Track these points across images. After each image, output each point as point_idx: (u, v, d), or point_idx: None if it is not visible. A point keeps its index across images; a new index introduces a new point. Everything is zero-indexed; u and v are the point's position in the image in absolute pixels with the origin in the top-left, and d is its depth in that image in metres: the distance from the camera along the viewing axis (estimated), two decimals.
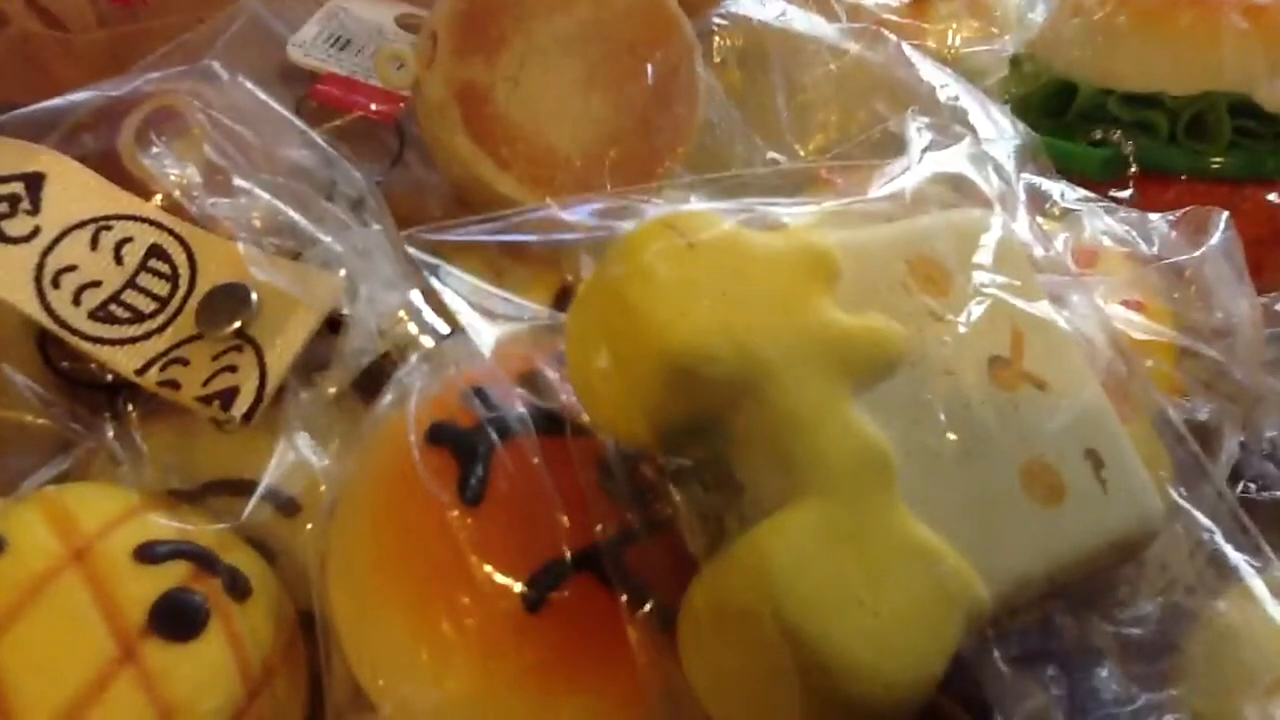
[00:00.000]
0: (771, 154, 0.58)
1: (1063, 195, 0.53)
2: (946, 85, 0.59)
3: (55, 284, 0.43)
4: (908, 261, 0.38)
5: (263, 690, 0.39)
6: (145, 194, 0.46)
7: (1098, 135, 0.60)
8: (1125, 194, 0.58)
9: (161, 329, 0.44)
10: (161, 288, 0.44)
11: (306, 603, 0.40)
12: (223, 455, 0.43)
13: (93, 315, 0.43)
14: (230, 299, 0.44)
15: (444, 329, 0.44)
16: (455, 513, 0.36)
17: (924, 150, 0.45)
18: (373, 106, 0.57)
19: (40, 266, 0.43)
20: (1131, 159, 0.59)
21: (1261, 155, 0.58)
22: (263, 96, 0.50)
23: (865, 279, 0.36)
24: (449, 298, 0.39)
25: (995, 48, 0.71)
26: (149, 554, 0.38)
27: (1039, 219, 0.47)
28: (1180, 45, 0.58)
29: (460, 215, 0.42)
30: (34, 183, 0.45)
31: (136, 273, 0.44)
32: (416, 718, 0.37)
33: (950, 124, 0.48)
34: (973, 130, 0.53)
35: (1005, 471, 0.36)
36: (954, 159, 0.45)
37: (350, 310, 0.44)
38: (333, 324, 0.44)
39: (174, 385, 0.42)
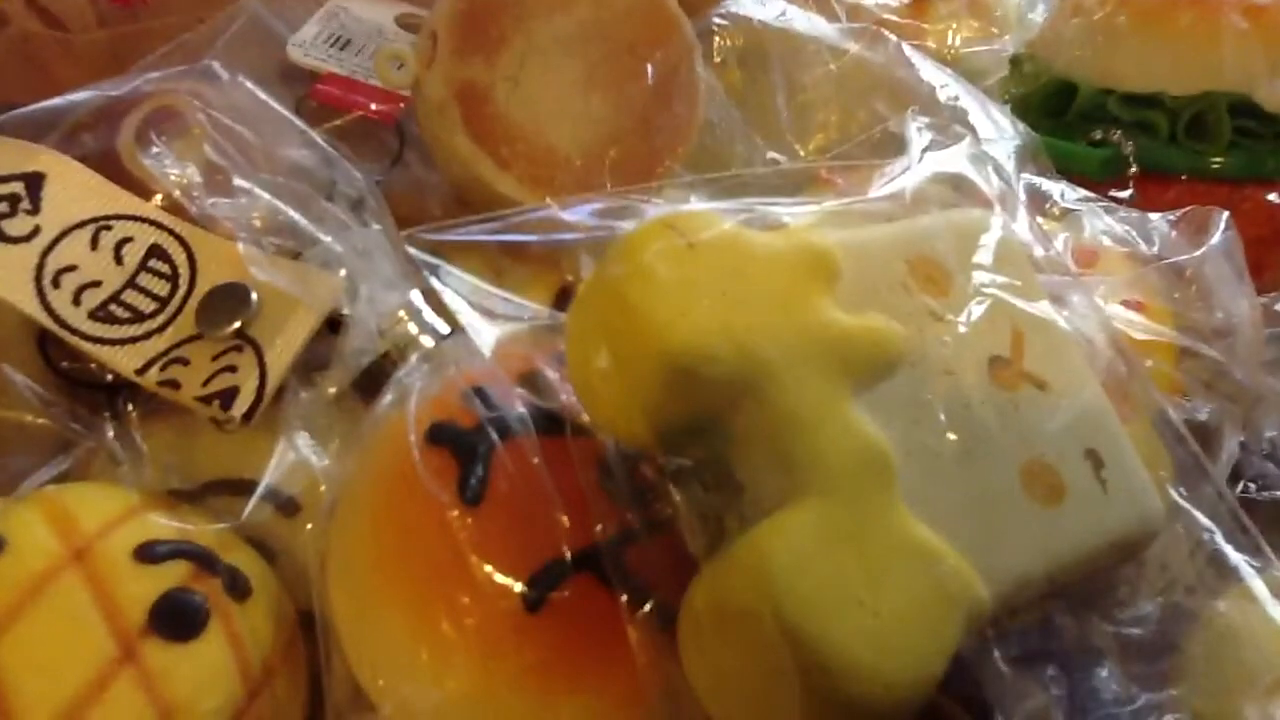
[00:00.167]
0: (771, 154, 0.58)
1: (1063, 195, 0.53)
2: (946, 85, 0.59)
3: (55, 284, 0.43)
4: (908, 261, 0.38)
5: (263, 690, 0.39)
6: (145, 194, 0.46)
7: (1098, 135, 0.60)
8: (1125, 194, 0.58)
9: (161, 329, 0.44)
10: (161, 288, 0.44)
11: (306, 603, 0.40)
12: (223, 455, 0.43)
13: (93, 315, 0.43)
14: (230, 299, 0.44)
15: (444, 329, 0.44)
16: (455, 513, 0.36)
17: (924, 150, 0.45)
18: (373, 106, 0.57)
19: (40, 266, 0.43)
20: (1131, 159, 0.59)
21: (1261, 155, 0.58)
22: (263, 96, 0.50)
23: (865, 279, 0.36)
24: (449, 298, 0.39)
25: (995, 48, 0.71)
26: (149, 554, 0.38)
27: (1039, 219, 0.47)
28: (1180, 45, 0.58)
29: (460, 215, 0.42)
30: (34, 182, 0.45)
31: (136, 273, 0.44)
32: (416, 718, 0.37)
33: (950, 124, 0.48)
34: (973, 130, 0.53)
35: (1005, 471, 0.36)
36: (954, 159, 0.45)
37: (350, 310, 0.44)
38: (333, 324, 0.44)
39: (174, 385, 0.42)
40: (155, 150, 0.46)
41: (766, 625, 0.31)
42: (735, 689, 0.32)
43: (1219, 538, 0.40)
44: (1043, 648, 0.37)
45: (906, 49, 0.61)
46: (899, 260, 0.38)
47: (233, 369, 0.43)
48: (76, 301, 0.43)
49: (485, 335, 0.39)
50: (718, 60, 0.61)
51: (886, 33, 0.62)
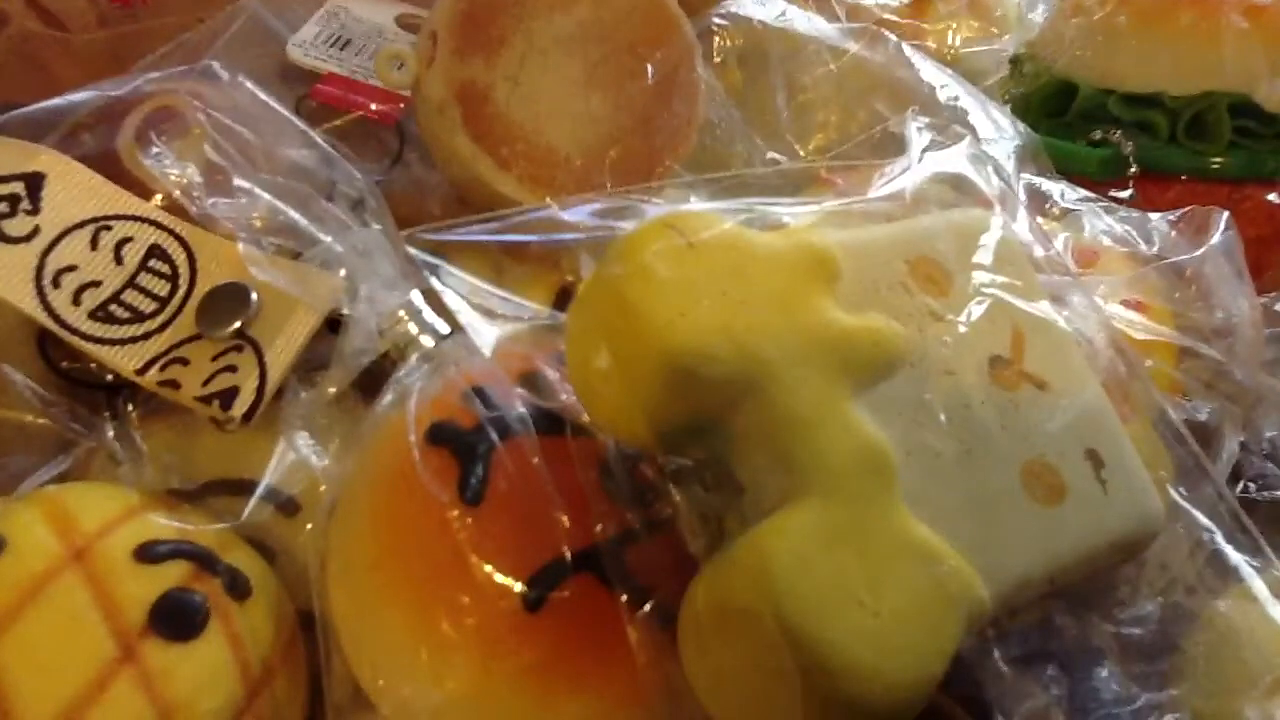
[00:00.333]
0: (771, 154, 0.58)
1: (1063, 195, 0.53)
2: (946, 85, 0.59)
3: (55, 284, 0.43)
4: (908, 261, 0.38)
5: (263, 690, 0.39)
6: (145, 194, 0.46)
7: (1098, 135, 0.60)
8: (1125, 194, 0.58)
9: (161, 329, 0.44)
10: (161, 288, 0.44)
11: (306, 603, 0.40)
12: (223, 455, 0.43)
13: (93, 315, 0.43)
14: (230, 299, 0.44)
15: (444, 329, 0.44)
16: (455, 513, 0.36)
17: (924, 150, 0.45)
18: (373, 106, 0.57)
19: (40, 266, 0.43)
20: (1131, 159, 0.59)
21: (1261, 155, 0.58)
22: (263, 96, 0.50)
23: (865, 279, 0.36)
24: (449, 298, 0.39)
25: (995, 48, 0.71)
26: (149, 554, 0.38)
27: (1039, 219, 0.47)
28: (1180, 45, 0.58)
29: (460, 215, 0.42)
30: (34, 183, 0.45)
31: (136, 273, 0.44)
32: (416, 718, 0.37)
33: (950, 124, 0.48)
34: (973, 130, 0.53)
35: (1006, 471, 0.36)
36: (954, 159, 0.45)
37: (350, 310, 0.44)
38: (333, 324, 0.44)
39: (174, 385, 0.42)
40: (155, 150, 0.46)
41: (767, 625, 0.31)
42: (735, 689, 0.32)
43: (1219, 538, 0.40)
44: (1043, 648, 0.37)
45: (906, 49, 0.61)
46: (899, 260, 0.38)
47: (233, 369, 0.43)
48: (76, 301, 0.43)
49: (485, 335, 0.39)
50: (718, 60, 0.61)
51: (886, 33, 0.62)
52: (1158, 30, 0.59)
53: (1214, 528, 0.41)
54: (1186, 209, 0.51)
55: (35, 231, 0.44)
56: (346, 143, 0.51)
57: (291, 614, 0.41)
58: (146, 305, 0.44)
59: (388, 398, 0.41)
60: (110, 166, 0.46)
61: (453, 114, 0.50)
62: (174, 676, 0.36)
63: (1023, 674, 0.36)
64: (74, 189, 0.45)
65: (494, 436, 0.37)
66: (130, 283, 0.44)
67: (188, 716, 0.36)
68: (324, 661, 0.38)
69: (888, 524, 0.33)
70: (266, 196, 0.46)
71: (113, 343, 0.43)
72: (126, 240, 0.45)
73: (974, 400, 0.36)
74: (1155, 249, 0.50)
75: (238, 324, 0.43)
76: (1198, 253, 0.49)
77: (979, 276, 0.39)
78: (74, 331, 0.43)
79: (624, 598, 0.35)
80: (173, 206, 0.46)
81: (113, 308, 0.44)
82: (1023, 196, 0.47)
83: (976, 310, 0.38)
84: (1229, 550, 0.40)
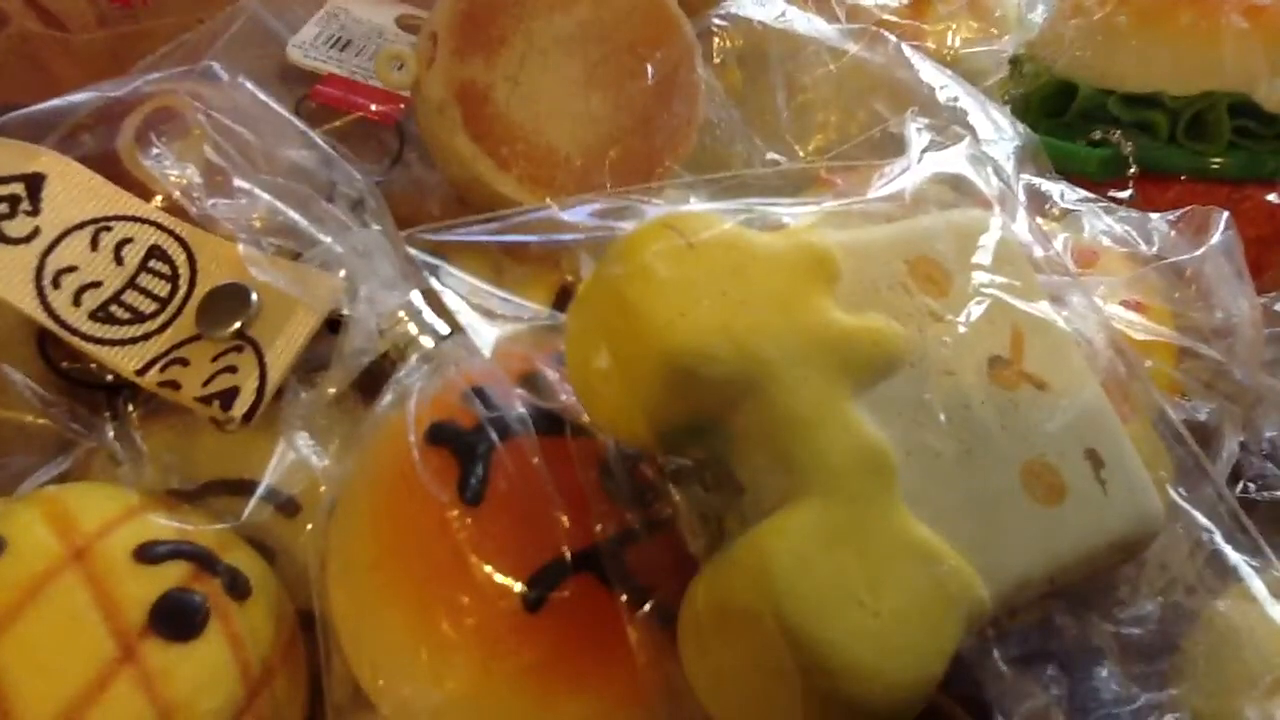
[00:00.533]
0: (771, 154, 0.59)
1: (1063, 195, 0.53)
2: (946, 86, 0.59)
3: (55, 284, 0.43)
4: (908, 262, 0.38)
5: (263, 690, 0.39)
6: (145, 194, 0.46)
7: (1098, 135, 0.60)
8: (1125, 194, 0.58)
9: (161, 329, 0.44)
10: (161, 288, 0.44)
11: (306, 603, 0.40)
12: (223, 455, 0.43)
13: (93, 316, 0.43)
14: (230, 299, 0.44)
15: (444, 329, 0.44)
16: (455, 513, 0.36)
17: (923, 151, 0.45)
18: (373, 107, 0.57)
19: (40, 267, 0.43)
20: (1131, 159, 0.59)
21: (1261, 155, 0.58)
22: (263, 97, 0.50)
23: (865, 279, 0.36)
24: (449, 298, 0.40)
25: (995, 48, 0.71)
26: (149, 554, 0.38)
27: (1039, 219, 0.47)
28: (1180, 45, 0.58)
29: (460, 215, 0.42)
30: (34, 183, 0.45)
31: (136, 273, 0.44)
32: (416, 718, 0.37)
33: (950, 124, 0.48)
34: (972, 131, 0.53)
35: (1006, 471, 0.36)
36: (954, 159, 0.45)
37: (350, 310, 0.44)
38: (333, 324, 0.44)
39: (174, 385, 0.42)
40: (155, 151, 0.46)
41: (767, 625, 0.31)
42: (735, 689, 0.32)
43: (1219, 538, 0.40)
44: (1043, 648, 0.37)
45: (906, 49, 0.61)
46: (899, 260, 0.38)
47: (233, 369, 0.43)
48: (77, 302, 0.43)
49: (485, 335, 0.39)
50: (718, 60, 0.61)
51: (886, 33, 0.62)
52: (1157, 30, 0.59)
53: (1213, 528, 0.41)
54: (1186, 209, 0.51)
55: (35, 232, 0.44)
56: (346, 143, 0.51)
57: (291, 614, 0.41)
58: (147, 306, 0.44)
59: (388, 398, 0.41)
60: (110, 167, 0.46)
61: (453, 114, 0.50)
62: (174, 676, 0.36)
63: (1023, 674, 0.36)
64: (74, 190, 0.45)
65: (494, 436, 0.37)
66: (130, 283, 0.44)
67: (188, 716, 0.36)
68: (324, 661, 0.38)
69: (888, 524, 0.33)
70: (266, 197, 0.46)
71: (113, 343, 0.43)
72: (127, 241, 0.45)
73: (974, 400, 0.36)
74: (1155, 249, 0.50)
75: (238, 324, 0.43)
76: (1197, 253, 0.49)
77: (978, 277, 0.39)
78: (74, 332, 0.43)
79: (624, 598, 0.35)
80: (173, 207, 0.46)
81: (113, 308, 0.44)
82: (1022, 197, 0.47)
83: (976, 310, 0.38)
84: (1229, 550, 0.40)
